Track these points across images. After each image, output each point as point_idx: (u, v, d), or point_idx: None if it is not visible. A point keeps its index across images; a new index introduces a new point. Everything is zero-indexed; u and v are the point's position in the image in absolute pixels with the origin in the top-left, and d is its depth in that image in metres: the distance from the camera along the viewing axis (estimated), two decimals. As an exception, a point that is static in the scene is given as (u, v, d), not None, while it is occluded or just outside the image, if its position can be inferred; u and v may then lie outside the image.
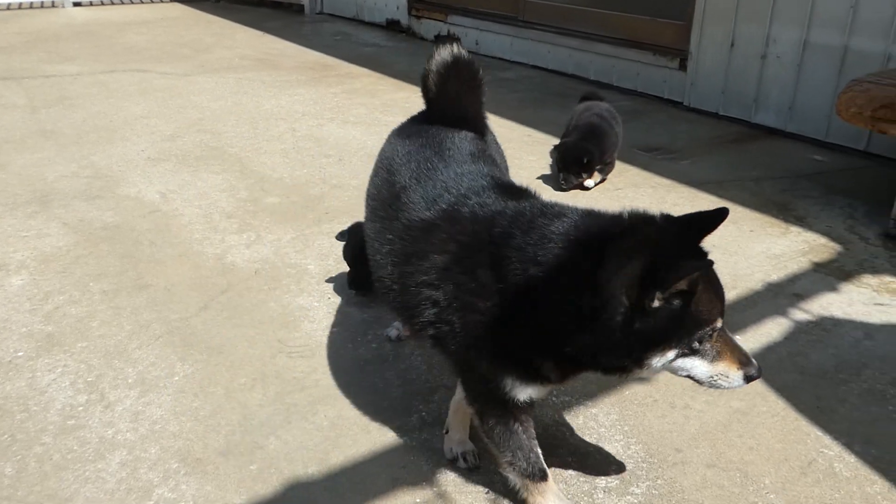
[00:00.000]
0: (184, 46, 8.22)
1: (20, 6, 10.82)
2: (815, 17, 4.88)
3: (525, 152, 4.84)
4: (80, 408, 2.42)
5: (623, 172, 4.53)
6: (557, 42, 6.95)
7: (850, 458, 2.24)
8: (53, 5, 10.95)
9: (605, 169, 4.33)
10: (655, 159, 4.76)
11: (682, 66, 5.83)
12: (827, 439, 2.32)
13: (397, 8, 9.05)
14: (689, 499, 2.09)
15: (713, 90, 5.64)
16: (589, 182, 4.24)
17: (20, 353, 2.70)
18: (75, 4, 10.95)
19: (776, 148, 5.00)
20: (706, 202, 4.08)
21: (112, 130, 5.22)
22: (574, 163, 4.14)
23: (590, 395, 2.51)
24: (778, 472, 2.19)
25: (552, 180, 4.37)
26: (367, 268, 2.52)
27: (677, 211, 4.02)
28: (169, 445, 2.26)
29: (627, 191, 4.25)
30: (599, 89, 6.44)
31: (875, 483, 2.15)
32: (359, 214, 3.91)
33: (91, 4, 11.17)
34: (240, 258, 3.43)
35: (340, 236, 3.09)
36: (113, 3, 11.34)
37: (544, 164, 4.62)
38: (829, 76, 4.86)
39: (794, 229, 3.77)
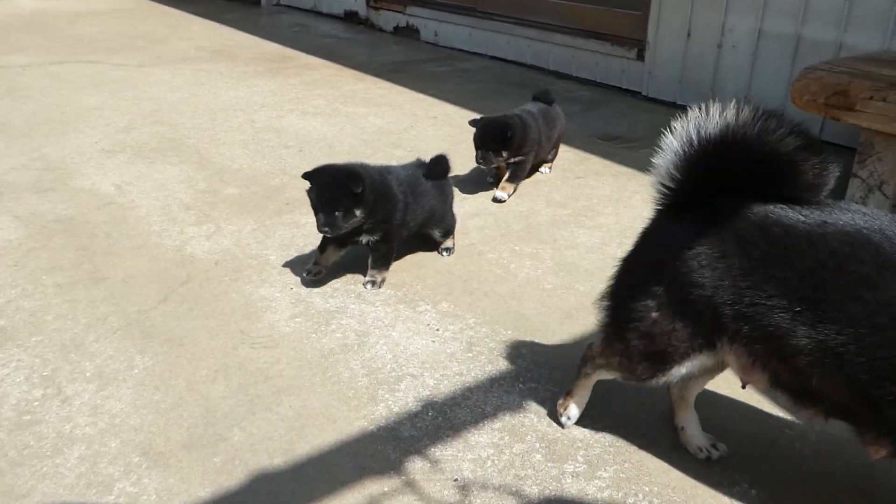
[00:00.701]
0: (138, 38, 8.05)
1: (-36, -4, 10.46)
2: (769, 5, 4.96)
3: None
4: (36, 402, 2.36)
5: (584, 161, 4.55)
6: (516, 33, 6.95)
7: (812, 438, 2.28)
8: (0, -5, 10.62)
9: (518, 169, 3.97)
10: (615, 148, 4.79)
11: (640, 56, 5.89)
12: (788, 420, 2.36)
13: (355, 0, 8.97)
14: (656, 481, 2.11)
15: (670, 79, 5.70)
16: (502, 194, 3.91)
17: (-29, 349, 2.62)
18: (23, -6, 10.63)
19: (733, 136, 5.07)
20: (666, 190, 4.11)
21: (64, 122, 5.08)
22: (495, 138, 3.77)
23: (556, 381, 2.51)
24: (745, 452, 2.22)
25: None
26: (335, 207, 2.78)
27: (637, 199, 4.04)
28: (130, 439, 2.21)
29: (588, 179, 4.27)
30: (558, 79, 6.49)
31: (834, 460, 2.19)
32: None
33: (39, -6, 10.85)
34: (199, 250, 3.36)
35: (307, 176, 2.89)
36: (62, -6, 11.03)
37: (506, 154, 4.61)
38: (783, 65, 4.95)
39: (752, 215, 3.82)
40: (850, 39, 4.61)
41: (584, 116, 5.46)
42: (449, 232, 3.38)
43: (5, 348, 2.62)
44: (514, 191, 3.99)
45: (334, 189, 2.81)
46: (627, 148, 4.81)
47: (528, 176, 4.22)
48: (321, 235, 2.98)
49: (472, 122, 3.91)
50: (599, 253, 3.40)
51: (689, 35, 5.49)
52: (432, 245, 3.41)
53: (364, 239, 3.03)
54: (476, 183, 4.19)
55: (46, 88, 5.91)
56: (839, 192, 3.86)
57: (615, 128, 5.21)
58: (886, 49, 4.44)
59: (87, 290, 3.00)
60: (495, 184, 4.09)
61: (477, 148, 3.84)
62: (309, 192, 2.88)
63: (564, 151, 4.69)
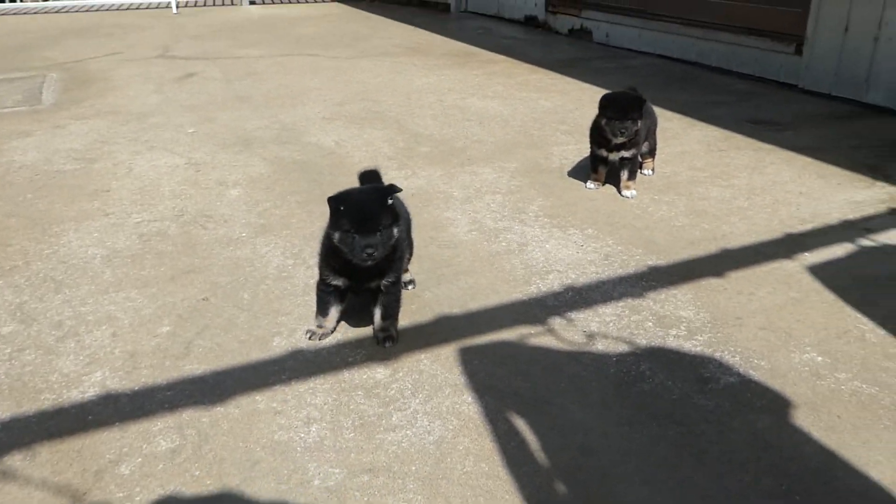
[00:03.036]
0: (345, 37, 9.34)
1: (205, 4, 12.41)
2: (924, 1, 5.25)
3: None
4: (290, 266, 3.34)
5: (729, 139, 5.09)
6: (682, 32, 7.50)
7: (881, 332, 2.80)
8: (233, 3, 12.48)
9: (633, 165, 4.13)
10: (762, 130, 5.27)
11: (798, 51, 6.27)
12: (864, 319, 2.89)
13: (535, 5, 9.81)
14: (741, 346, 2.73)
15: (826, 73, 6.05)
16: (633, 192, 4.12)
17: (244, 234, 3.68)
18: (251, 3, 12.43)
19: (882, 124, 5.39)
20: (801, 163, 4.58)
21: (293, 97, 6.28)
22: (633, 106, 3.91)
23: (673, 283, 3.17)
24: (817, 335, 2.79)
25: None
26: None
27: (771, 169, 4.59)
28: (353, 291, 3.12)
29: (730, 152, 4.82)
30: (720, 75, 6.97)
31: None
32: (495, 162, 4.72)
33: (264, 3, 12.63)
34: (400, 185, 4.28)
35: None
36: (282, 3, 12.76)
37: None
38: (936, 57, 5.21)
39: (880, 184, 4.23)
40: None
41: (737, 105, 5.96)
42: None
43: (266, 236, 3.65)
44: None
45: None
46: (773, 130, 5.27)
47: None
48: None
49: (605, 99, 4.00)
50: (728, 204, 3.98)
51: (846, 29, 5.84)
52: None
53: None
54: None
55: (276, 73, 7.20)
56: (967, 165, 4.18)
57: (765, 114, 5.67)
58: None
59: (318, 206, 4.00)
60: (596, 189, 4.22)
61: (616, 119, 3.91)
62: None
63: (712, 131, 5.25)
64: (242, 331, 2.88)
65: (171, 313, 3.01)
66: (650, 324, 2.88)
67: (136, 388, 2.58)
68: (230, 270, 3.34)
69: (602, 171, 4.23)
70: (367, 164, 4.62)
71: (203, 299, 3.11)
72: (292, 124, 5.52)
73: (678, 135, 5.18)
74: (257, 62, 7.71)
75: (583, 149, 4.86)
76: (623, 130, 3.96)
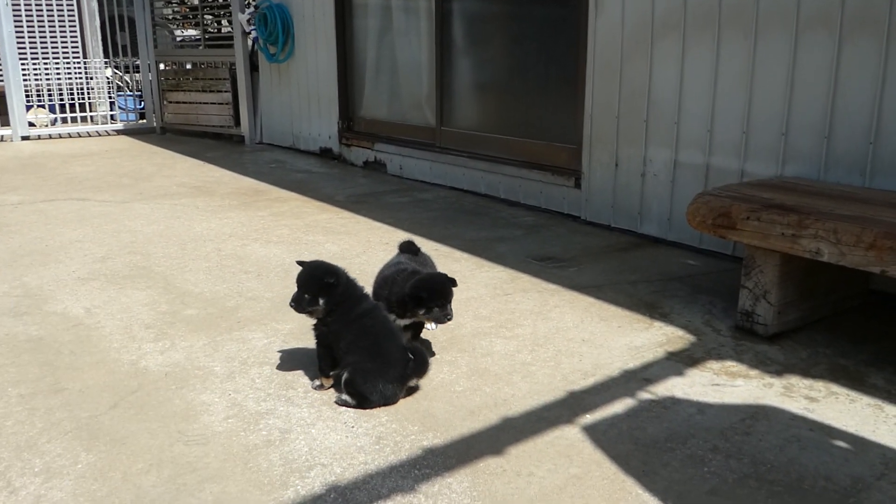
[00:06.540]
0: (125, 176, 8.72)
1: (-31, 141, 11.30)
2: (680, 139, 5.58)
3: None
4: (-13, 494, 2.69)
5: (515, 280, 5.01)
6: (470, 165, 7.61)
7: None
8: (2, 139, 11.46)
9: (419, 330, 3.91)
10: (546, 267, 5.27)
11: (577, 185, 6.48)
12: (646, 495, 2.69)
13: (329, 137, 9.75)
14: None
15: (604, 205, 6.27)
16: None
17: (-64, 451, 2.97)
18: (24, 138, 11.47)
19: (656, 255, 5.58)
20: (584, 303, 4.56)
21: (46, 254, 5.58)
22: (449, 289, 3.58)
23: (448, 467, 2.86)
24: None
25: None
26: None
27: (556, 313, 4.48)
28: (65, 523, 2.54)
29: (515, 295, 4.72)
30: (508, 206, 7.07)
31: None
32: (269, 324, 4.30)
33: (39, 138, 11.72)
34: (153, 363, 3.75)
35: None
36: (61, 137, 11.90)
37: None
38: (696, 190, 5.48)
39: (658, 324, 4.25)
40: (750, 167, 5.19)
41: (524, 240, 5.99)
42: None
43: (-34, 449, 2.97)
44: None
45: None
46: (557, 267, 5.28)
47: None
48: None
49: (415, 288, 3.60)
50: (511, 359, 3.80)
51: (616, 166, 6.10)
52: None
53: None
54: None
55: (34, 224, 6.45)
56: (733, 302, 4.31)
57: (550, 249, 5.72)
58: (778, 175, 5.01)
59: (45, 400, 3.37)
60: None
61: (439, 307, 3.54)
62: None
63: (498, 272, 5.17)
64: None
65: None
66: (421, 529, 2.52)
67: None
68: None
69: None
70: (118, 337, 4.07)
71: None
72: (38, 288, 4.83)
73: (466, 278, 5.05)
74: (13, 211, 6.91)
75: (365, 302, 4.57)
76: (448, 317, 3.57)
